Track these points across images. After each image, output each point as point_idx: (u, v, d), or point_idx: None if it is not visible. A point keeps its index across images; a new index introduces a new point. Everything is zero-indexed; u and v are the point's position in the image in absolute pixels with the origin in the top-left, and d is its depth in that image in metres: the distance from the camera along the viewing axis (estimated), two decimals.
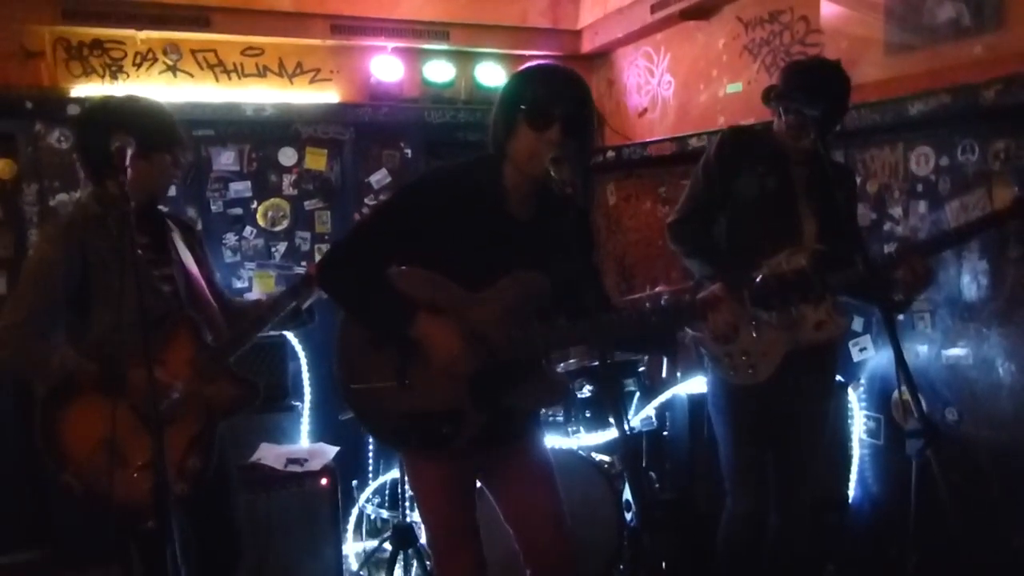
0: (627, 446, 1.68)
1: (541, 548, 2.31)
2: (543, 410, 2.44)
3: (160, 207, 2.59)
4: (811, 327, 2.62)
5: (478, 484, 2.39)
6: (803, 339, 2.62)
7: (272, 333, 3.90)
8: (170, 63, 4.38)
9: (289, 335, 4.10)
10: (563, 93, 1.98)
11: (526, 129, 1.97)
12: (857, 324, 3.60)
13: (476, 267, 2.07)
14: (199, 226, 4.43)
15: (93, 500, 2.24)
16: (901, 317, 3.34)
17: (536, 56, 4.51)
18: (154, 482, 1.78)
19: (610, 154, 5.03)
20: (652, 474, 3.75)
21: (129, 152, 2.02)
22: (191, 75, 4.43)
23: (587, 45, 5.17)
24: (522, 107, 1.97)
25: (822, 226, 2.64)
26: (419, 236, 2.07)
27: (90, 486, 2.23)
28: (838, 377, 3.60)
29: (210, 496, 2.44)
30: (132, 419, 2.25)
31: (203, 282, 2.58)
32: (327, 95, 4.72)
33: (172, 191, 4.28)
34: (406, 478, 2.38)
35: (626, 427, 1.60)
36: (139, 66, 4.31)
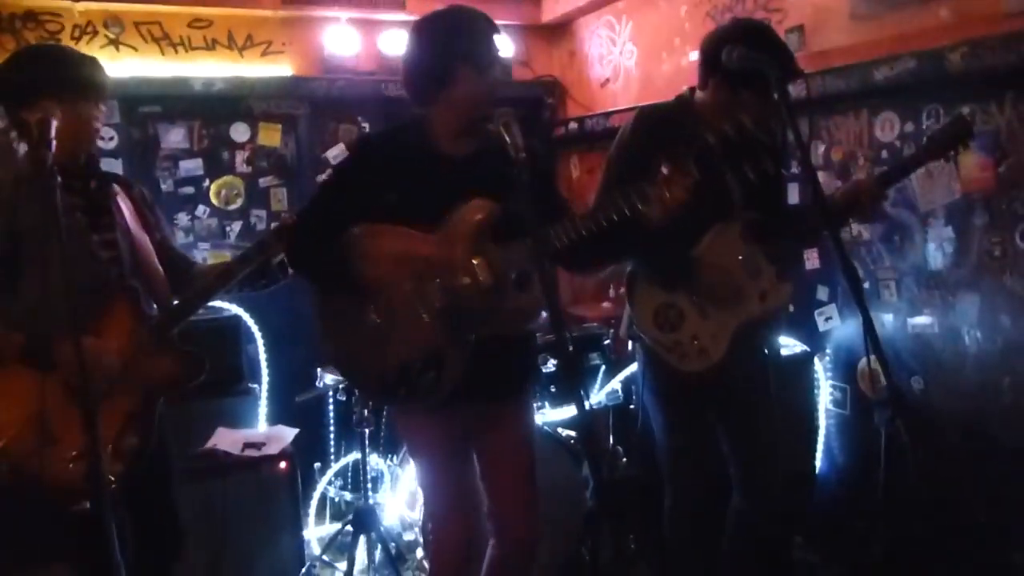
0: (585, 424, 1.61)
1: (512, 530, 2.39)
2: (530, 362, 2.47)
3: (103, 169, 2.46)
4: (756, 299, 2.55)
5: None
6: (750, 312, 2.55)
7: (227, 314, 3.81)
8: (112, 36, 4.19)
9: (246, 316, 3.98)
10: (495, 32, 2.17)
11: (469, 73, 2.11)
12: (823, 293, 3.57)
13: (425, 210, 2.15)
14: None
15: (22, 482, 2.10)
16: (867, 285, 3.31)
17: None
18: (88, 462, 1.67)
19: (572, 126, 4.94)
20: (619, 448, 3.71)
21: (54, 124, 1.89)
22: (135, 49, 4.24)
23: (548, 15, 5.06)
24: (464, 52, 2.11)
25: (750, 190, 2.49)
26: (366, 197, 2.19)
27: (18, 467, 2.09)
28: (804, 347, 3.60)
29: (150, 481, 2.33)
30: (63, 394, 2.11)
31: (151, 248, 2.45)
32: (280, 68, 4.57)
33: (119, 168, 4.13)
34: (404, 440, 2.43)
35: (586, 404, 1.53)
36: (78, 39, 4.10)
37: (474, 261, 2.10)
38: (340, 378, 3.56)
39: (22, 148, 2.32)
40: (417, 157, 2.19)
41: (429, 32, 2.18)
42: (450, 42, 2.12)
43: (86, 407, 1.73)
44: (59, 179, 1.83)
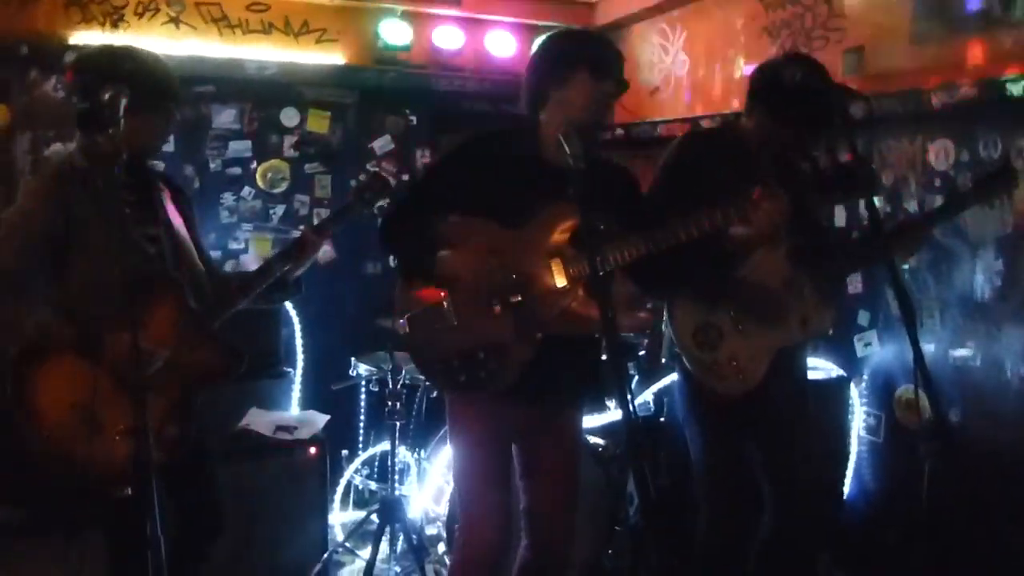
0: (633, 439, 1.61)
1: (543, 532, 2.43)
2: (586, 377, 2.45)
3: (153, 164, 2.50)
4: (798, 323, 2.53)
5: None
6: (791, 336, 2.54)
7: None
8: (173, 14, 4.25)
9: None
10: (618, 57, 2.30)
11: (585, 78, 2.19)
12: (863, 318, 3.53)
13: (515, 210, 2.22)
14: (196, 185, 4.34)
15: (65, 466, 2.14)
16: None
17: (549, 27, 4.37)
18: (136, 450, 1.70)
19: (619, 132, 4.93)
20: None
21: (123, 103, 1.92)
22: (194, 28, 4.30)
23: (600, 18, 5.05)
24: (585, 58, 2.21)
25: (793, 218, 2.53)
26: (463, 189, 2.28)
27: (62, 451, 2.13)
28: (840, 371, 3.56)
29: (189, 467, 2.36)
30: (109, 383, 2.15)
31: (192, 245, 2.50)
32: (332, 56, 4.61)
33: (170, 147, 4.19)
34: (447, 424, 2.46)
35: (632, 415, 1.54)
36: (141, 15, 4.18)
37: (551, 262, 2.19)
38: (374, 369, 3.59)
39: (78, 138, 2.36)
40: (520, 159, 2.27)
41: (559, 37, 2.36)
42: (576, 47, 2.28)
43: (136, 397, 1.76)
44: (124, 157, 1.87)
